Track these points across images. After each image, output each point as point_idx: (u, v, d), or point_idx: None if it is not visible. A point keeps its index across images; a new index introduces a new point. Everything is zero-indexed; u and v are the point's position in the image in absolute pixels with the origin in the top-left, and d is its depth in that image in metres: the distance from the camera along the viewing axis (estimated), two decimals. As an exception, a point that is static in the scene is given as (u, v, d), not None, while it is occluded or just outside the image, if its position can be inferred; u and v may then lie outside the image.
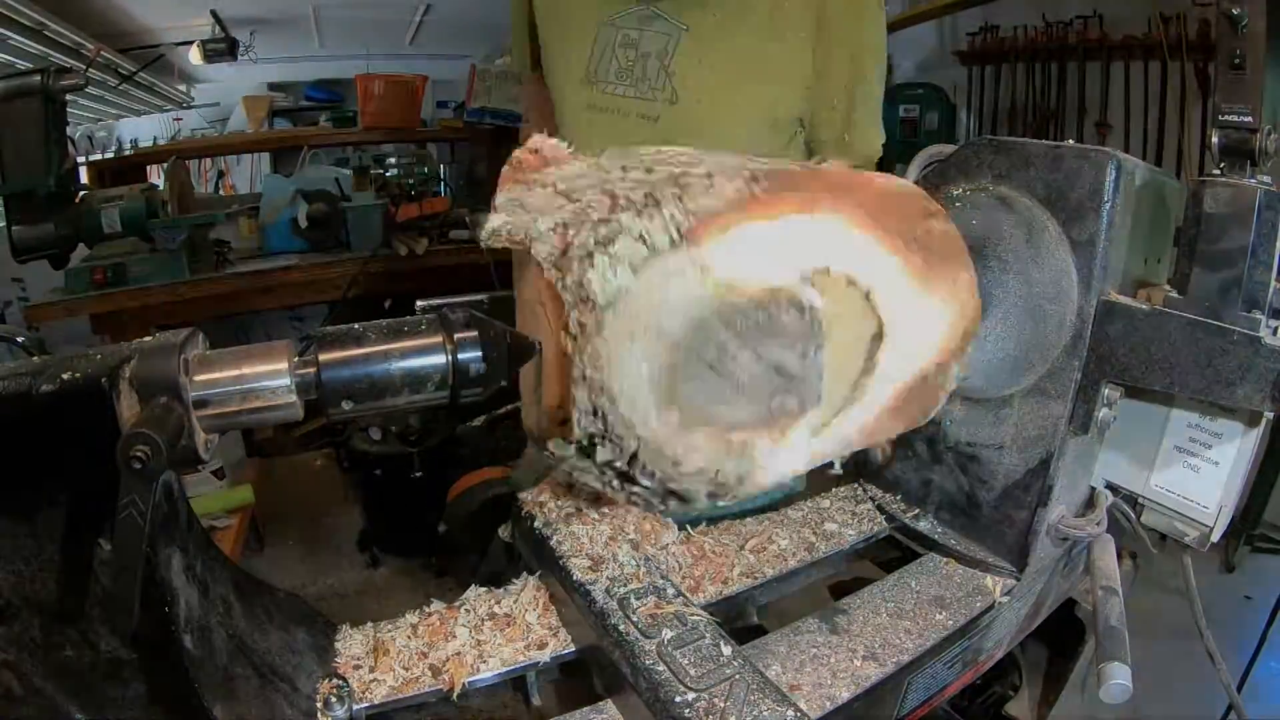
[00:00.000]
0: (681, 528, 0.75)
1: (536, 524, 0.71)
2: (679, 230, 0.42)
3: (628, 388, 0.43)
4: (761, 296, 0.44)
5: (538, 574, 0.70)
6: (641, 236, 0.42)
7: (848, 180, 0.55)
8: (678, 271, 0.42)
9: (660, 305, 0.42)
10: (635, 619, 0.58)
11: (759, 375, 0.44)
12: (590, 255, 0.43)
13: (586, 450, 0.47)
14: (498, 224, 0.48)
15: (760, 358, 0.44)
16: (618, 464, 0.46)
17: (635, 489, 0.47)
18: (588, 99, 1.10)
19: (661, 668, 0.54)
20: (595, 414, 0.44)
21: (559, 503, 0.73)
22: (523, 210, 0.48)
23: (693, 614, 0.59)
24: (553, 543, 0.68)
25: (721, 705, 0.50)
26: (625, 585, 0.62)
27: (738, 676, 0.53)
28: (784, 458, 0.48)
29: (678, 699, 0.51)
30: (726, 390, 0.44)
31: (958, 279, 0.59)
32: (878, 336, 0.52)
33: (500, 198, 0.49)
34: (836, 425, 0.52)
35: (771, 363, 0.45)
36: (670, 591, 0.62)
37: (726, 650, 0.55)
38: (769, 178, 0.47)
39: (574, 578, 0.63)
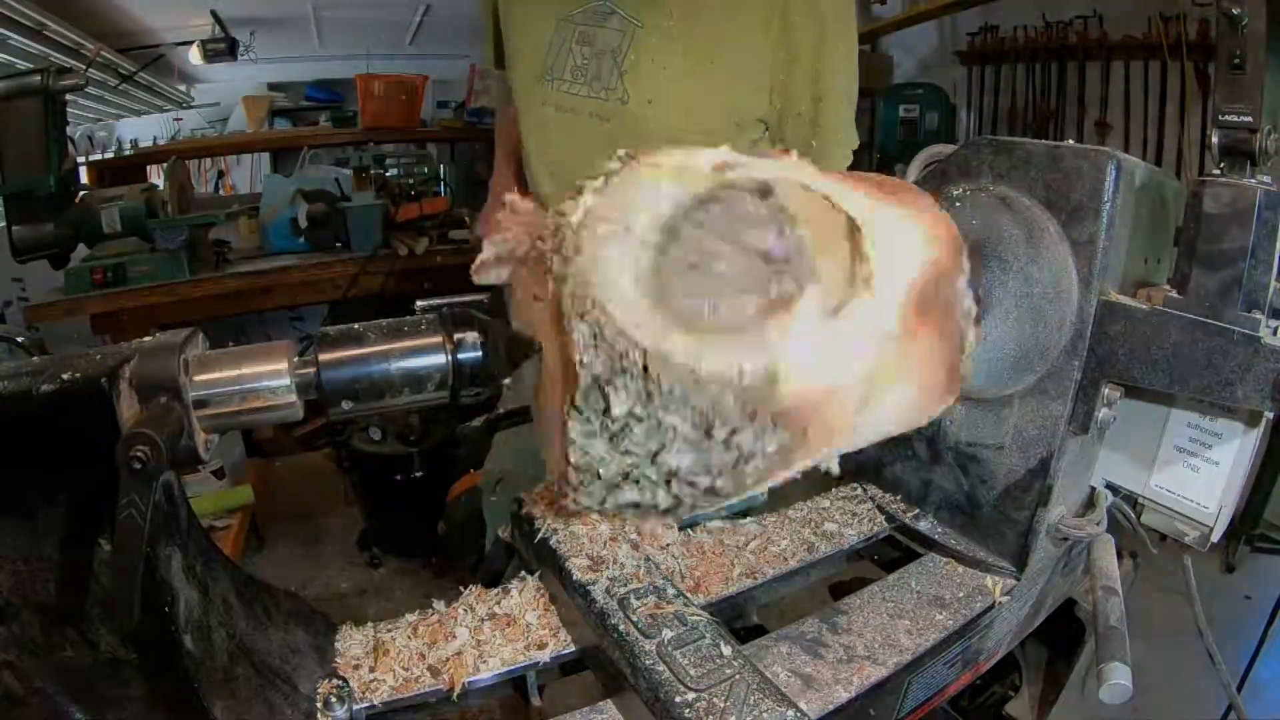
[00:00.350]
0: (681, 529, 0.75)
1: (537, 524, 0.71)
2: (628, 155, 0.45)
3: (619, 295, 0.42)
4: (718, 185, 0.44)
5: (537, 574, 0.70)
6: (602, 174, 0.44)
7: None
8: (635, 179, 0.44)
9: (627, 209, 0.43)
10: (635, 619, 0.58)
11: (745, 265, 0.43)
12: (560, 210, 0.45)
13: (602, 417, 0.44)
14: (489, 255, 0.49)
15: (740, 247, 0.43)
16: (638, 409, 0.43)
17: (667, 463, 0.45)
18: (543, 97, 1.09)
19: (661, 668, 0.54)
20: (595, 339, 0.42)
21: (559, 502, 0.73)
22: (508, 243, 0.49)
23: (693, 614, 0.59)
24: (553, 543, 0.68)
25: (721, 705, 0.50)
26: (625, 585, 0.62)
27: (738, 676, 0.53)
28: (804, 343, 0.45)
29: (678, 699, 0.51)
30: (720, 288, 0.43)
31: (919, 199, 0.58)
32: (854, 228, 0.50)
33: (488, 250, 0.50)
34: (850, 311, 0.49)
35: (753, 249, 0.43)
36: (670, 591, 0.62)
37: (727, 650, 0.55)
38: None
39: (574, 578, 0.63)
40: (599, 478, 0.47)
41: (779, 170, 0.51)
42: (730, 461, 0.46)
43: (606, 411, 0.43)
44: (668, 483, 0.46)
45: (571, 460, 0.47)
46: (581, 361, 0.43)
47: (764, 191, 0.45)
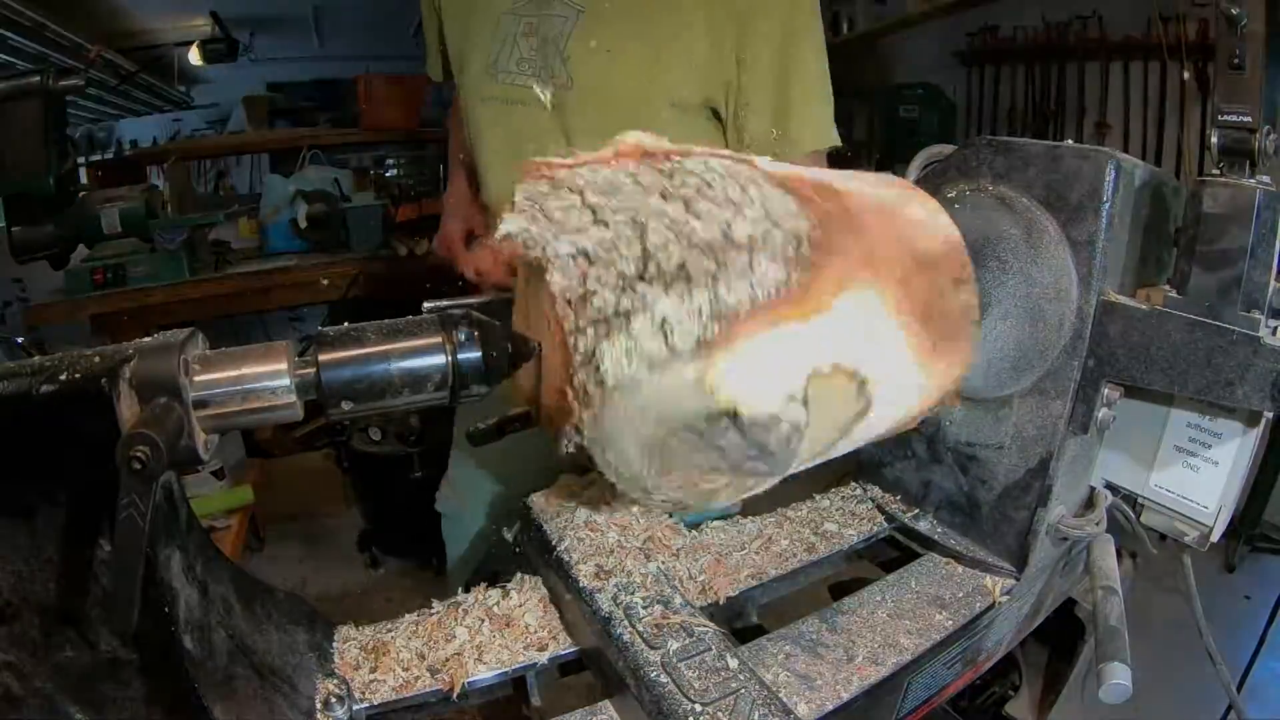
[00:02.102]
0: (689, 527, 0.75)
1: (543, 527, 0.71)
2: (701, 336, 0.43)
3: (620, 449, 0.46)
4: (760, 416, 0.46)
5: (539, 575, 0.70)
6: (664, 327, 0.43)
7: (891, 239, 0.55)
8: (688, 380, 0.44)
9: (665, 400, 0.44)
10: (640, 628, 0.58)
11: (741, 448, 0.47)
12: (608, 329, 0.43)
13: (572, 455, 0.50)
14: (514, 228, 0.45)
15: (747, 439, 0.46)
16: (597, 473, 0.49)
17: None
18: (487, 91, 1.08)
19: (665, 679, 0.53)
20: (582, 448, 0.48)
21: (567, 505, 0.73)
22: (544, 217, 0.46)
23: (699, 625, 0.58)
24: (559, 547, 0.68)
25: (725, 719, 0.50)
26: (632, 593, 0.62)
27: (743, 690, 0.52)
28: (741, 497, 0.52)
29: (681, 712, 0.51)
30: (708, 452, 0.46)
31: (958, 355, 0.60)
32: (863, 413, 0.53)
33: (520, 194, 0.46)
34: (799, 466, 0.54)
35: (756, 443, 0.47)
36: (678, 601, 0.61)
37: (733, 663, 0.55)
38: (815, 244, 0.47)
39: (579, 584, 0.63)
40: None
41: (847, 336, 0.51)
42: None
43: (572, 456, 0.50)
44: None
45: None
46: (566, 444, 0.49)
47: (790, 436, 0.48)
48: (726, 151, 0.49)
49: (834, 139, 1.07)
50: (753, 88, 1.02)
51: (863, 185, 0.59)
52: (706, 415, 0.45)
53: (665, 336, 0.43)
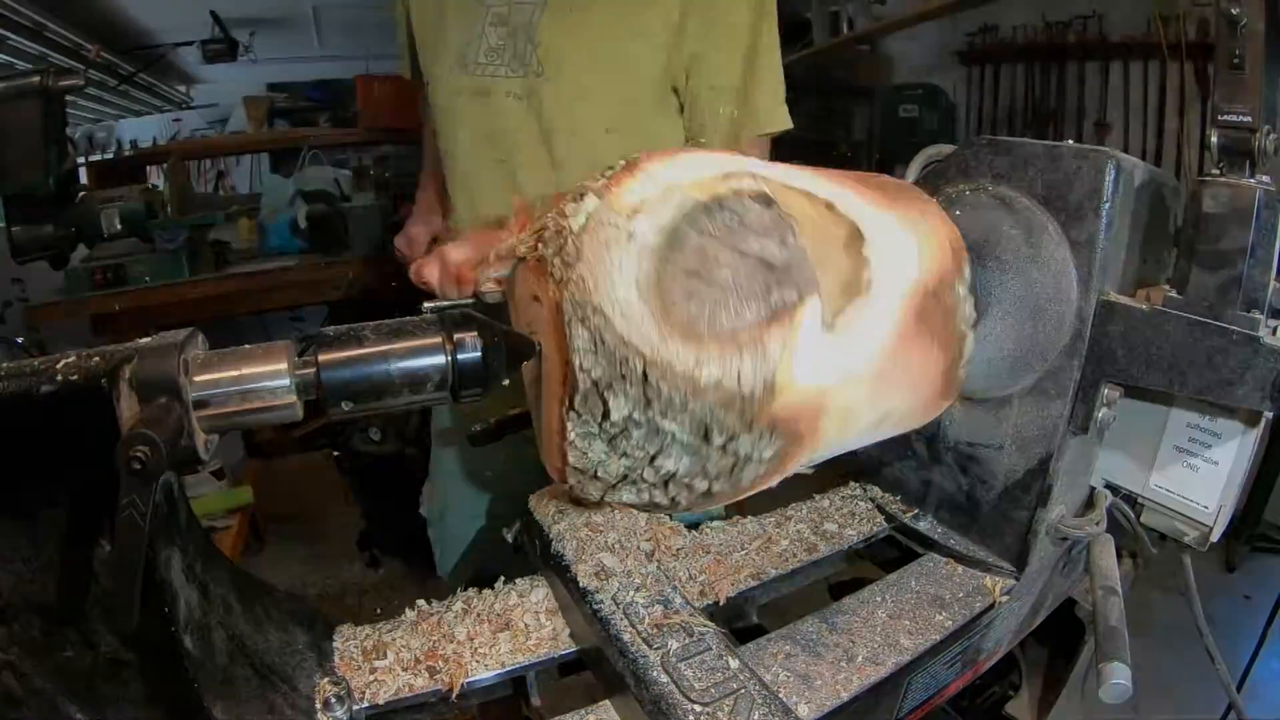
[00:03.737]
0: (689, 527, 0.74)
1: (544, 526, 0.71)
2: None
3: (620, 302, 0.42)
4: (722, 192, 0.44)
5: (539, 575, 0.70)
6: (601, 176, 0.44)
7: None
8: (637, 183, 0.43)
9: (630, 214, 0.42)
10: (641, 629, 0.58)
11: (746, 272, 0.43)
12: (561, 213, 0.45)
13: (601, 421, 0.44)
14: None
15: (741, 254, 0.43)
16: (636, 415, 0.43)
17: (662, 467, 0.45)
18: (457, 85, 1.06)
19: (665, 679, 0.53)
20: (595, 345, 0.42)
21: (567, 505, 0.73)
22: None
23: (699, 625, 0.58)
24: (560, 546, 0.68)
25: None
26: (632, 593, 0.62)
27: (743, 691, 0.52)
28: (804, 352, 0.46)
29: (681, 712, 0.51)
30: (720, 295, 0.42)
31: (924, 205, 0.60)
32: (854, 235, 0.51)
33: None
34: (849, 319, 0.50)
35: (754, 257, 0.43)
36: (678, 601, 0.61)
37: (733, 664, 0.55)
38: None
39: (580, 584, 0.63)
40: (597, 478, 0.47)
41: (784, 176, 0.51)
42: (728, 466, 0.46)
43: (605, 416, 0.43)
44: (665, 484, 0.47)
45: (570, 461, 0.47)
46: (581, 366, 0.43)
47: (766, 200, 0.45)
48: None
49: (789, 122, 1.08)
50: (719, 68, 1.02)
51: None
52: (673, 223, 0.43)
53: (603, 177, 0.45)
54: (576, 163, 1.01)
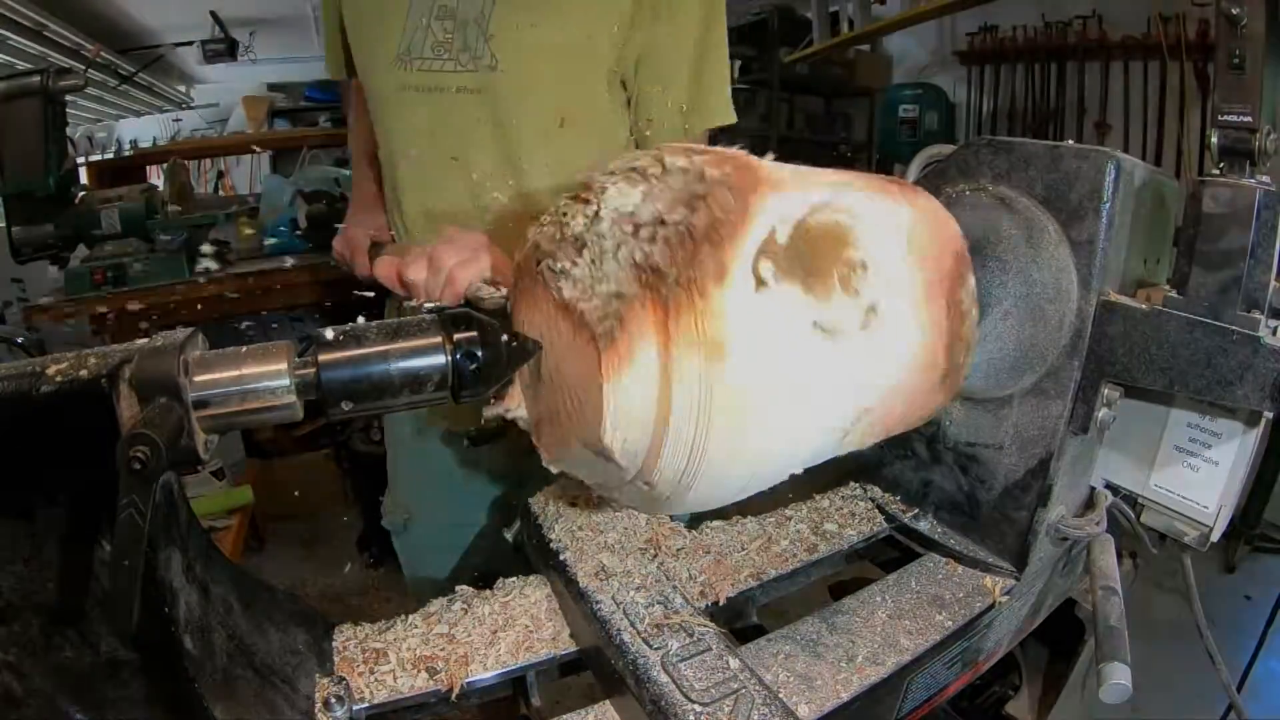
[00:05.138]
0: (689, 527, 0.74)
1: (544, 526, 0.71)
2: None
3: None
4: None
5: (539, 575, 0.70)
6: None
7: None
8: None
9: None
10: (641, 629, 0.58)
11: None
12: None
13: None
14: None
15: None
16: None
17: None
18: (401, 80, 1.02)
19: (665, 679, 0.53)
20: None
21: (567, 505, 0.73)
22: None
23: (699, 625, 0.58)
24: (560, 547, 0.68)
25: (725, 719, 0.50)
26: (632, 593, 0.62)
27: (743, 690, 0.52)
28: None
29: (681, 712, 0.51)
30: None
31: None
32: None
33: None
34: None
35: None
36: (678, 601, 0.61)
37: (733, 664, 0.55)
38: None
39: (580, 584, 0.63)
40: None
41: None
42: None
43: None
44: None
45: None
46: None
47: None
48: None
49: (734, 117, 1.07)
50: (668, 63, 1.01)
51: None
52: None
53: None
54: (532, 157, 1.00)
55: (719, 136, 1.07)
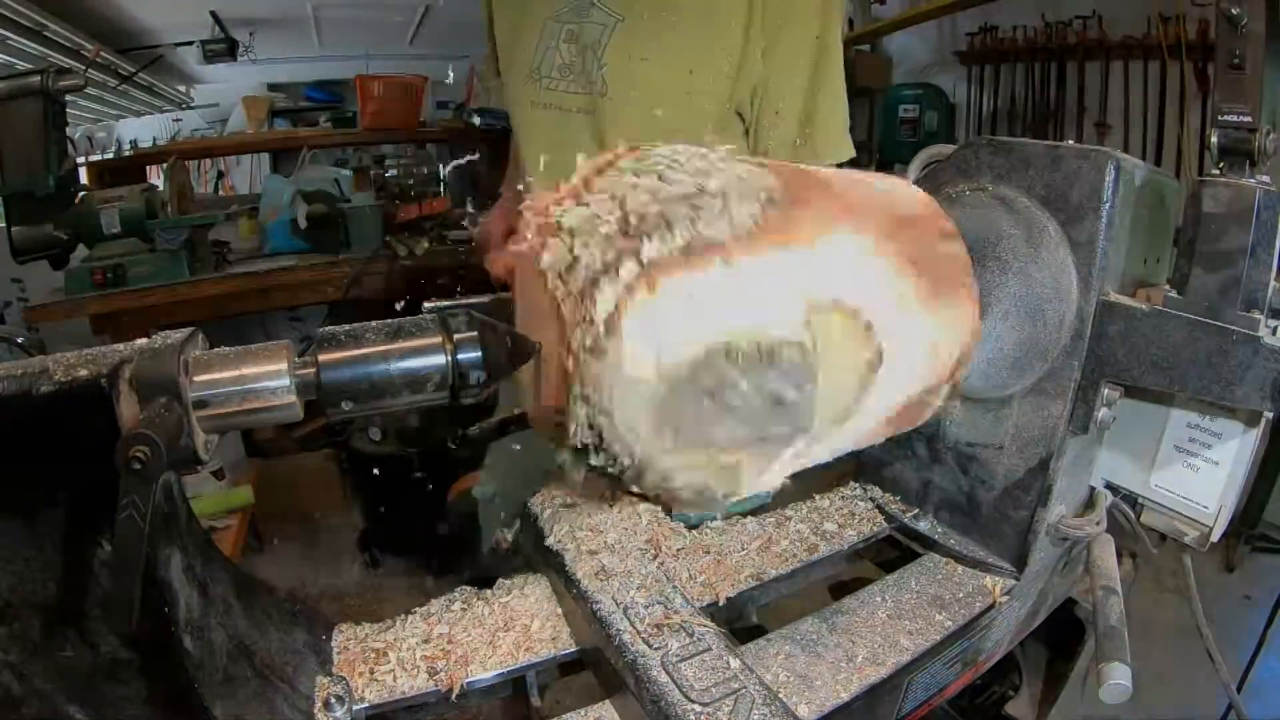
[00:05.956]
0: (690, 528, 0.75)
1: (543, 526, 0.71)
2: (687, 258, 0.43)
3: (627, 412, 0.44)
4: (762, 341, 0.45)
5: (539, 575, 0.70)
6: (648, 262, 0.43)
7: (866, 197, 0.56)
8: (682, 309, 0.43)
9: (663, 338, 0.43)
10: (641, 629, 0.58)
11: (755, 403, 0.46)
12: (596, 280, 0.43)
13: (580, 455, 0.48)
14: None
15: (758, 388, 0.45)
16: (610, 470, 0.47)
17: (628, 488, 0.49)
18: (531, 96, 1.10)
19: (665, 679, 0.53)
20: (592, 429, 0.46)
21: (567, 505, 0.73)
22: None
23: (700, 625, 0.58)
24: (559, 546, 0.68)
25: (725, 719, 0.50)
26: (632, 593, 0.62)
27: (743, 691, 0.52)
28: (767, 477, 0.50)
29: (681, 712, 0.51)
30: (721, 415, 0.45)
31: (959, 303, 0.60)
32: (875, 362, 0.53)
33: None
34: (825, 442, 0.54)
35: (768, 393, 0.46)
36: (678, 601, 0.61)
37: (734, 664, 0.55)
38: (786, 191, 0.48)
39: (580, 585, 0.63)
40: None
41: (849, 280, 0.51)
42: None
43: (582, 458, 0.48)
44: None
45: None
46: (575, 433, 0.46)
47: (800, 350, 0.46)
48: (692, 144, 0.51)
49: (851, 150, 1.09)
50: (784, 95, 1.04)
51: (827, 169, 0.60)
52: (706, 354, 0.44)
53: (649, 271, 0.43)
54: None
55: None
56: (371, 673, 0.60)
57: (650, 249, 0.43)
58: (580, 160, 0.50)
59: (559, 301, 0.45)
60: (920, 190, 0.64)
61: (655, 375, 0.44)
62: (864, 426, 0.57)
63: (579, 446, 0.48)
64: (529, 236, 0.48)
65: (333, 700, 0.55)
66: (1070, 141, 0.64)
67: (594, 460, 0.48)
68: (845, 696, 0.57)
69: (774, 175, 0.49)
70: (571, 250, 0.45)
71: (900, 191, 0.62)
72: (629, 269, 0.43)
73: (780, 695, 0.53)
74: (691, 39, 1.01)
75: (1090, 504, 0.72)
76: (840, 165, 1.09)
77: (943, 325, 0.58)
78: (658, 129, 1.02)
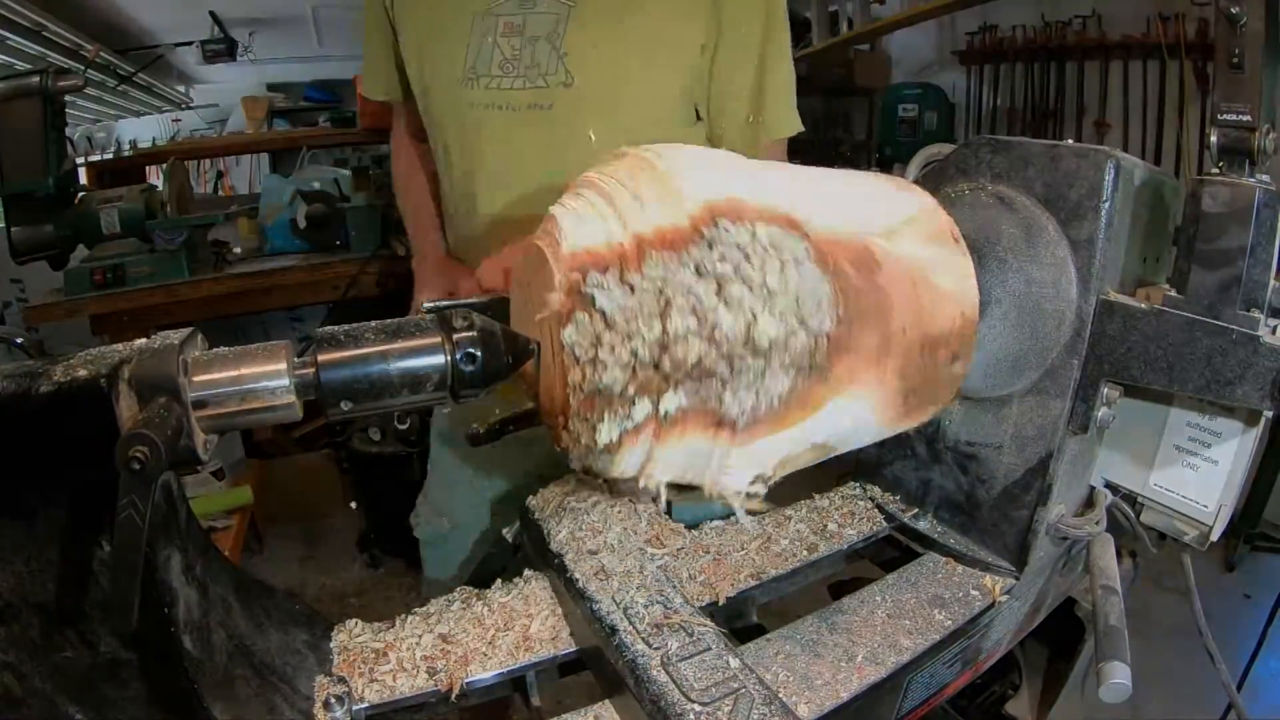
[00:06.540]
0: (689, 528, 0.74)
1: (543, 526, 0.71)
2: (701, 423, 0.46)
3: (609, 476, 0.51)
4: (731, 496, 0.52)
5: (539, 574, 0.70)
6: (664, 415, 0.45)
7: (915, 316, 0.55)
8: (675, 461, 0.48)
9: (651, 468, 0.48)
10: (640, 628, 0.58)
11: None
12: (610, 401, 0.45)
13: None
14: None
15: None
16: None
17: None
18: (470, 98, 1.01)
19: (665, 679, 0.53)
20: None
21: (567, 505, 0.73)
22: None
23: (699, 624, 0.58)
24: (559, 546, 0.68)
25: (725, 719, 0.50)
26: (632, 593, 0.62)
27: (743, 691, 0.52)
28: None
29: (680, 712, 0.51)
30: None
31: (929, 413, 0.64)
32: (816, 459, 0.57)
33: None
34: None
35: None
36: (678, 601, 0.61)
37: (733, 663, 0.55)
38: (833, 343, 0.48)
39: (579, 584, 0.63)
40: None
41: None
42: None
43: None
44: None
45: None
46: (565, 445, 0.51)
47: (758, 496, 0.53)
48: (777, 216, 0.48)
49: (800, 126, 1.09)
50: (736, 72, 1.03)
51: (901, 244, 0.57)
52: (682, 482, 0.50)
53: (661, 424, 0.46)
54: None
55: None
56: (371, 673, 0.60)
57: (671, 402, 0.44)
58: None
59: (570, 386, 0.46)
60: (973, 292, 0.61)
61: (641, 482, 0.49)
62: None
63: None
64: (557, 286, 0.46)
65: (332, 700, 0.55)
66: (1070, 140, 0.64)
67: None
68: (845, 696, 0.57)
69: (836, 300, 0.48)
70: (597, 344, 0.44)
71: (951, 301, 0.59)
72: (643, 410, 0.44)
73: (780, 695, 0.53)
74: (650, 19, 0.98)
75: (1090, 503, 0.72)
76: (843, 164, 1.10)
77: (903, 425, 0.61)
78: (625, 115, 1.00)
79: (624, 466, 0.48)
